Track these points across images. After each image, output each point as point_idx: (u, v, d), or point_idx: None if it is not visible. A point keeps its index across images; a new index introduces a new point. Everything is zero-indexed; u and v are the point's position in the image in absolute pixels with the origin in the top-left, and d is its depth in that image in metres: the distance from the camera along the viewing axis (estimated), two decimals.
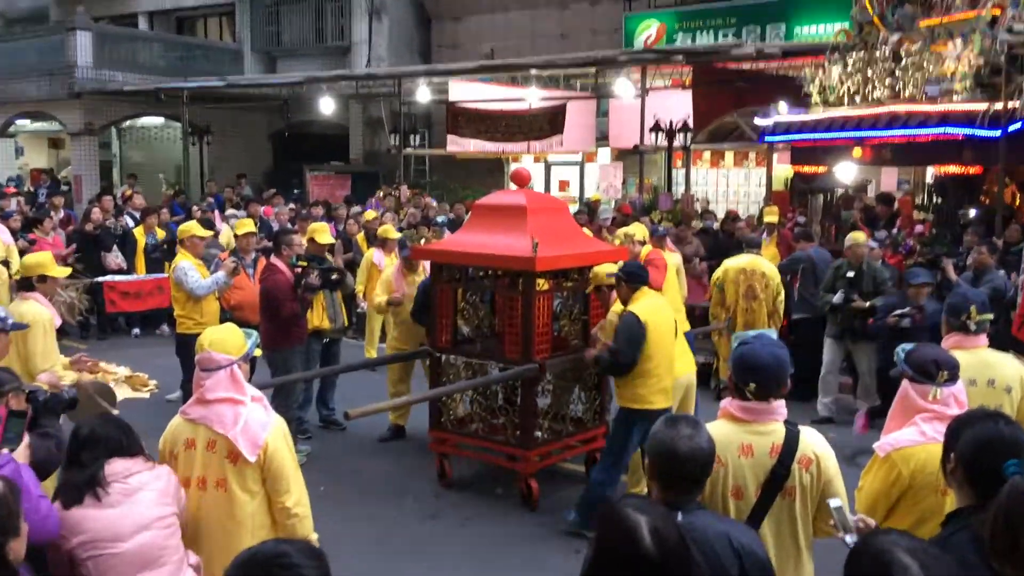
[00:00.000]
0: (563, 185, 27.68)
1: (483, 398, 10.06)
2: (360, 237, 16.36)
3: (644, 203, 19.85)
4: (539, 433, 9.31)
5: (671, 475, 3.82)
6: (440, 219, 18.11)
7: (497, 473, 9.86)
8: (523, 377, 8.93)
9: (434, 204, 21.04)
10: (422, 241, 10.72)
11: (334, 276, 10.33)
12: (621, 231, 11.39)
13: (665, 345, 8.12)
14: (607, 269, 8.89)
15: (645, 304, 8.08)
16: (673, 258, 11.92)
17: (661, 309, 8.16)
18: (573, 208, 19.46)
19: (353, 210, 19.38)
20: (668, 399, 8.25)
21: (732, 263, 12.01)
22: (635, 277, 8.18)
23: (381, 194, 22.24)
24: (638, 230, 11.47)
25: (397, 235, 13.05)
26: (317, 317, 10.78)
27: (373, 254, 13.52)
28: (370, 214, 17.28)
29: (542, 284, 9.06)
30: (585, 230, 10.78)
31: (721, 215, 18.88)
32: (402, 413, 11.19)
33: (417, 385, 11.36)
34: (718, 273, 12.13)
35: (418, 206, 20.44)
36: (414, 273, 11.22)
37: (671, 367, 8.24)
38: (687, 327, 10.68)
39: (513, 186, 9.44)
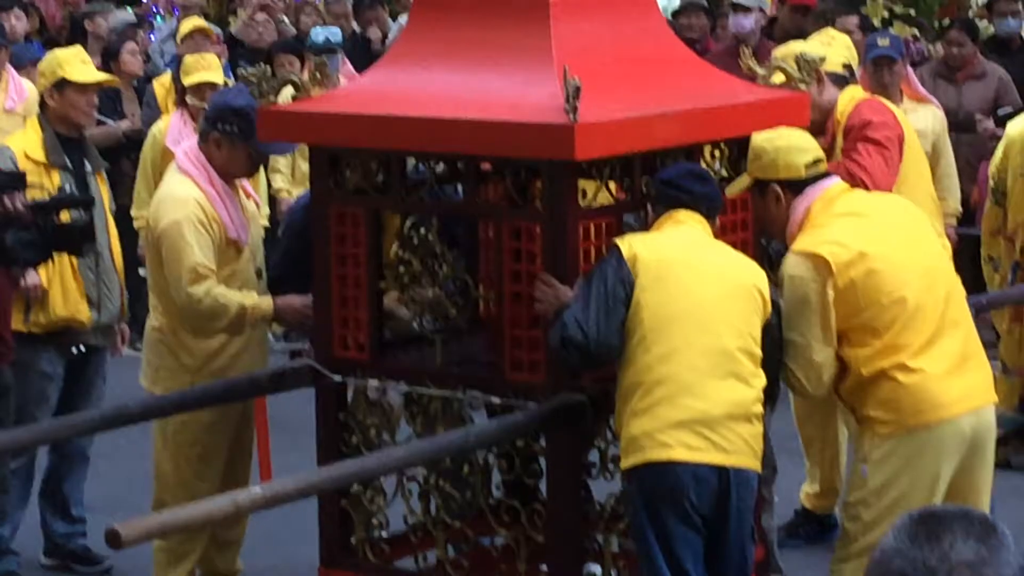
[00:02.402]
0: None
1: (455, 485, 6.47)
2: (162, 87, 9.84)
3: None
4: (598, 570, 6.21)
5: None
6: (325, 34, 11.10)
7: None
8: (555, 428, 5.96)
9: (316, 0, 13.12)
10: (284, 96, 6.45)
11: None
12: (784, 51, 7.20)
13: (706, 321, 5.34)
14: (798, 140, 5.65)
15: (665, 237, 5.43)
16: (922, 119, 7.95)
17: (704, 247, 5.44)
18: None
19: (115, 18, 11.86)
20: (716, 447, 5.24)
21: (1016, 128, 8.10)
22: (671, 193, 5.39)
23: None
24: (831, 47, 7.34)
25: (221, 80, 8.11)
26: (58, 296, 6.98)
27: (168, 126, 8.25)
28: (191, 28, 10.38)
29: (594, 191, 5.82)
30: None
31: None
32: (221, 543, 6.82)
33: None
34: (997, 154, 8.15)
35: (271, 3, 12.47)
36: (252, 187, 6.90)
37: (733, 370, 5.28)
38: (961, 291, 6.23)
39: None
